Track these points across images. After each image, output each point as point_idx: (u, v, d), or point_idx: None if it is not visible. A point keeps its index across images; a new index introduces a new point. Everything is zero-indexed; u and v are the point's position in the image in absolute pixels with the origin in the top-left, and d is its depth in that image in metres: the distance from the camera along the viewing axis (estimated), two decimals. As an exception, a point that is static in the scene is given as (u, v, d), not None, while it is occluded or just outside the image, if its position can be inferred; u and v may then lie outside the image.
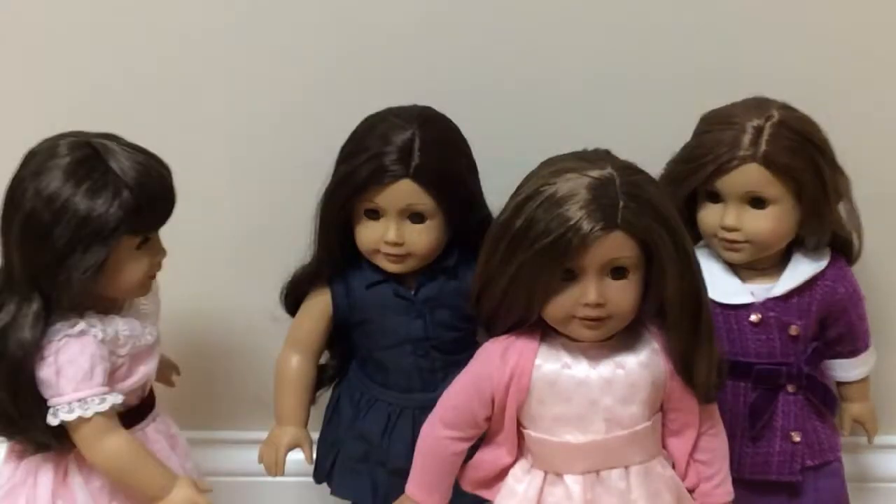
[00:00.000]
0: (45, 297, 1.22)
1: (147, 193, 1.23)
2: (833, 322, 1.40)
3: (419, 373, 1.42)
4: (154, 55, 1.55)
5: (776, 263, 1.39)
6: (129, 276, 1.26)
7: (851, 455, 1.58)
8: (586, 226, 1.12)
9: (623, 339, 1.22)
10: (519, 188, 1.20)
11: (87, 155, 1.22)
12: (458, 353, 1.40)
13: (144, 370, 1.32)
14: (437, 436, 1.27)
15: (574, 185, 1.14)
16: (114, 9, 1.54)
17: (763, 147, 1.31)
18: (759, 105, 1.34)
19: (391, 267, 1.38)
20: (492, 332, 1.25)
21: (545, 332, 1.22)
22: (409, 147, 1.33)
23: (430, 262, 1.40)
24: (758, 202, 1.33)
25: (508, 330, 1.23)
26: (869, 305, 1.45)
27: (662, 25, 1.52)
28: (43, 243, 1.19)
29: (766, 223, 1.34)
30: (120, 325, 1.28)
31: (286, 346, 1.45)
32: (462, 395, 1.25)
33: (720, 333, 1.36)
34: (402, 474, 1.35)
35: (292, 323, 1.45)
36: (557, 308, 1.18)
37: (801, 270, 1.38)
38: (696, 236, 1.39)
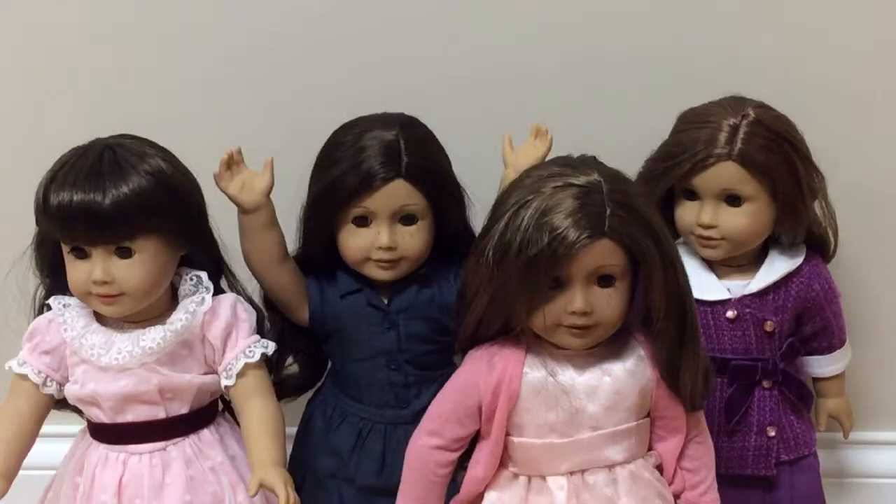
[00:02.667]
0: None
1: (60, 212, 1.23)
2: (809, 319, 1.42)
3: (392, 387, 1.40)
4: (146, 51, 1.57)
5: (752, 260, 1.40)
6: (69, 278, 1.28)
7: (827, 451, 1.60)
8: (572, 234, 1.11)
9: (609, 346, 1.21)
10: (504, 196, 1.19)
11: (77, 152, 1.26)
12: (433, 368, 1.39)
13: (93, 388, 1.28)
14: (422, 444, 1.24)
15: (560, 194, 1.13)
16: (109, 4, 1.56)
17: (738, 145, 1.32)
18: (735, 104, 1.36)
19: (382, 275, 1.36)
20: (475, 343, 1.24)
21: (531, 340, 1.21)
22: (397, 147, 1.32)
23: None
24: (733, 199, 1.35)
25: (492, 337, 1.22)
26: (844, 302, 1.46)
27: (649, 25, 1.53)
28: None
29: (741, 220, 1.35)
30: (80, 324, 1.29)
31: None
32: (448, 403, 1.24)
33: (697, 329, 1.39)
34: (370, 492, 1.36)
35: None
36: (545, 316, 1.16)
37: (776, 268, 1.39)
38: (674, 234, 1.40)
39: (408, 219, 1.35)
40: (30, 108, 1.61)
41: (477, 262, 1.18)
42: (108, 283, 1.24)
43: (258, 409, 1.30)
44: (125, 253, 1.25)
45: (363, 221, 1.34)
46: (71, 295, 1.30)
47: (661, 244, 1.16)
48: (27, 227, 1.30)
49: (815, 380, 1.49)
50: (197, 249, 1.32)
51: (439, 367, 1.39)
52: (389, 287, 1.39)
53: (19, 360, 1.31)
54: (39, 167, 1.27)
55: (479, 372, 1.21)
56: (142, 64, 1.57)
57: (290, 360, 1.46)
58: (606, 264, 1.15)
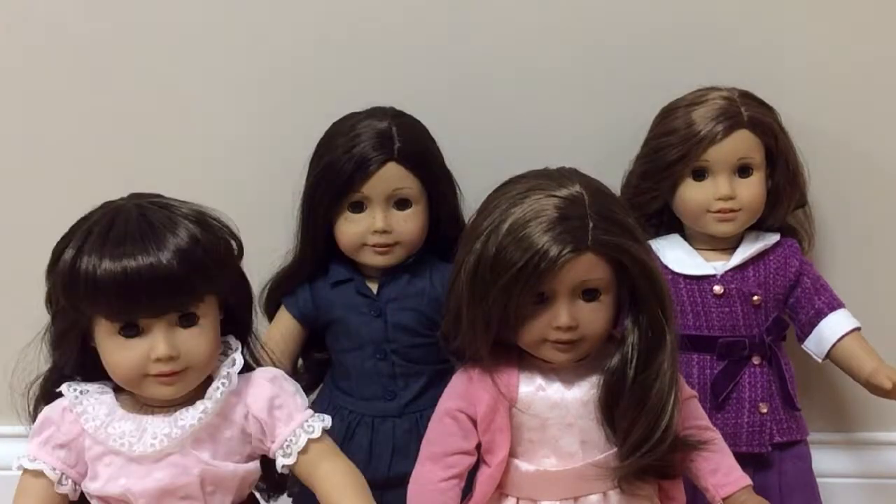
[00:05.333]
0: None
1: (113, 285, 1.07)
2: (799, 284, 1.44)
3: (379, 377, 1.40)
4: (135, 52, 1.57)
5: (734, 245, 1.44)
6: (114, 362, 1.12)
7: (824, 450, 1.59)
8: (555, 249, 1.10)
9: (597, 357, 1.19)
10: (484, 210, 1.17)
11: (100, 218, 1.13)
12: (421, 362, 1.40)
13: (125, 484, 1.13)
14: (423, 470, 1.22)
15: (541, 206, 1.12)
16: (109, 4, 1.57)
17: (746, 112, 1.39)
18: (711, 88, 1.42)
19: (378, 260, 1.38)
20: (465, 358, 1.22)
21: (520, 354, 1.20)
22: (389, 133, 1.36)
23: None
24: (745, 170, 1.41)
25: (481, 355, 1.20)
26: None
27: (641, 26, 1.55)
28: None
29: (756, 189, 1.41)
30: (103, 412, 1.14)
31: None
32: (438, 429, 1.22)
33: (685, 307, 1.41)
34: None
35: (267, 330, 1.44)
36: (530, 332, 1.15)
37: (754, 246, 1.43)
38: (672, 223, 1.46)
39: (402, 203, 1.38)
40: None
41: (458, 278, 1.17)
42: (174, 359, 1.10)
43: (332, 473, 1.17)
44: (189, 321, 1.11)
45: (358, 207, 1.38)
46: (97, 379, 1.16)
47: (643, 256, 1.16)
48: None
49: (840, 352, 1.41)
50: (240, 306, 1.20)
51: (427, 362, 1.40)
52: (380, 277, 1.41)
53: (29, 456, 1.15)
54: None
55: (461, 396, 1.20)
56: (140, 65, 1.58)
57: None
58: (591, 278, 1.14)
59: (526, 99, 1.56)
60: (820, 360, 1.43)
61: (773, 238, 1.44)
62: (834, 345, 1.41)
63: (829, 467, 1.58)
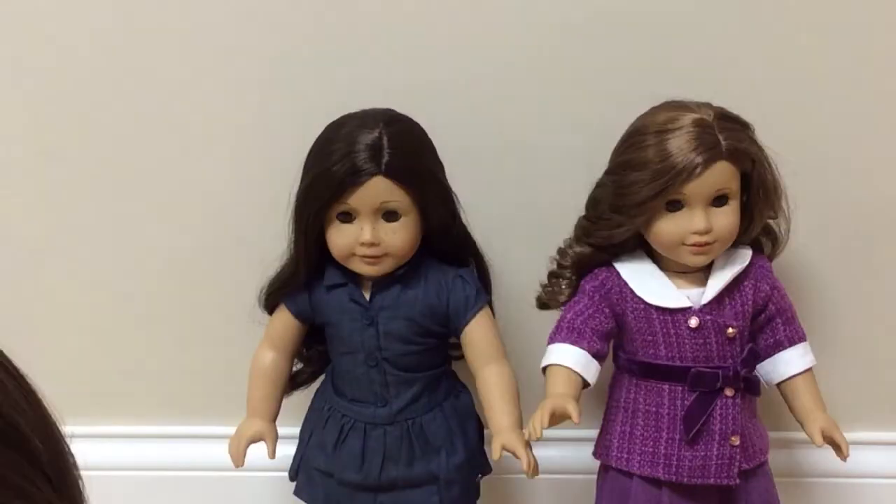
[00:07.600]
0: None
1: None
2: (765, 310, 1.41)
3: (370, 385, 1.41)
4: (133, 50, 1.56)
5: (703, 268, 1.39)
6: None
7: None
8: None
9: None
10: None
11: None
12: (413, 370, 1.41)
13: None
14: None
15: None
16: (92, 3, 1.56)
17: (724, 142, 1.31)
18: (681, 107, 1.34)
19: (368, 270, 1.37)
20: None
21: None
22: (379, 145, 1.33)
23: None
24: (721, 200, 1.34)
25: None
26: (803, 305, 1.47)
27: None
28: None
29: (731, 219, 1.34)
30: None
31: (262, 343, 1.47)
32: None
33: (658, 338, 1.37)
34: (351, 487, 1.40)
35: (268, 321, 1.47)
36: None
37: (727, 274, 1.38)
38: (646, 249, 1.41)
39: (390, 214, 1.35)
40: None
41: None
42: None
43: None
44: None
45: (347, 217, 1.36)
46: None
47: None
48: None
49: (789, 389, 1.41)
50: None
51: (420, 370, 1.41)
52: (374, 284, 1.40)
53: None
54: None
55: None
56: (139, 63, 1.57)
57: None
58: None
59: (525, 98, 1.53)
60: (767, 386, 1.43)
61: (745, 258, 1.38)
62: (785, 381, 1.42)
63: (826, 468, 1.59)
